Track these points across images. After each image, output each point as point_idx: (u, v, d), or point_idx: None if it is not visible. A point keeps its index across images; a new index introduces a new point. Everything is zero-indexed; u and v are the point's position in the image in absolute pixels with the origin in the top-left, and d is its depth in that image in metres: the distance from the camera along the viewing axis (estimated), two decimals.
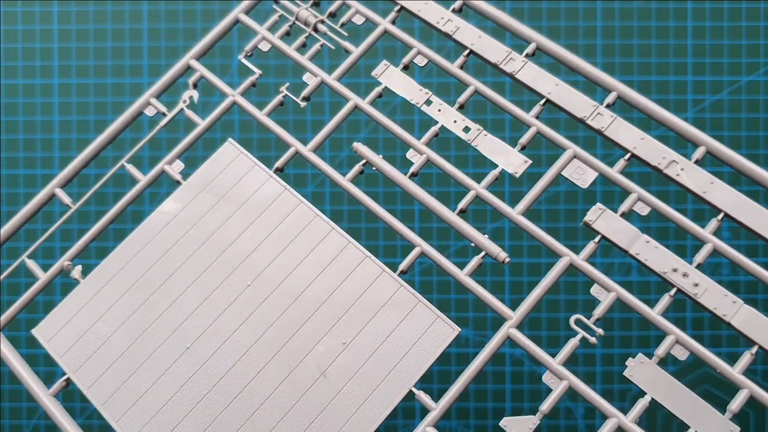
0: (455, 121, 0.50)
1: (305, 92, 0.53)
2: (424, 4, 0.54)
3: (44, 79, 0.75)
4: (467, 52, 0.52)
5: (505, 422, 0.42)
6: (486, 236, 0.47)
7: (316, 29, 0.54)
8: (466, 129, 0.49)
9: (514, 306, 0.45)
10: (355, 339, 0.45)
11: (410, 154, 0.50)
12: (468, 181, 0.48)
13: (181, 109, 0.56)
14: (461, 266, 0.46)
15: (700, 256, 0.43)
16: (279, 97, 0.54)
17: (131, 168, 0.54)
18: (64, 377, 0.52)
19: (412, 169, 0.49)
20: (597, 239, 0.44)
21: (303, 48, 0.56)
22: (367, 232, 0.72)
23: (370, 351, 0.45)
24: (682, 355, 0.42)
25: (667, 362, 0.76)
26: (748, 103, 0.75)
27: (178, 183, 0.53)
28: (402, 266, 0.46)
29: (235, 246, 0.50)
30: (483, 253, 0.46)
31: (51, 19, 0.75)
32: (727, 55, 0.75)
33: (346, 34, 0.54)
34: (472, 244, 0.46)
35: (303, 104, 0.53)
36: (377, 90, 0.53)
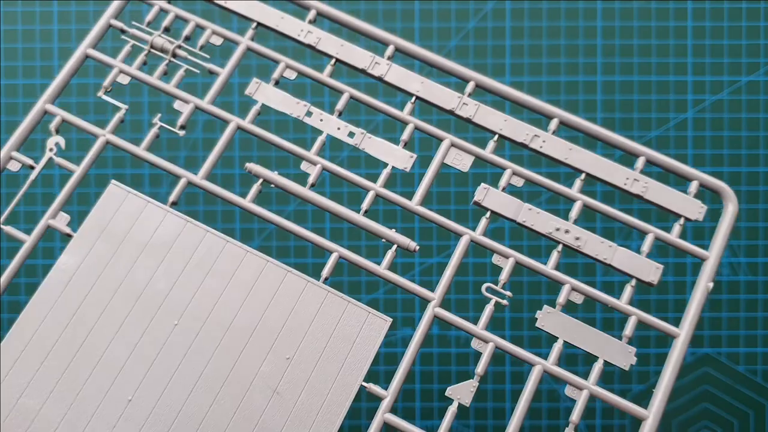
0: (339, 129, 0.52)
1: (181, 120, 0.52)
2: (280, 19, 0.54)
3: (44, 80, 0.75)
4: (333, 60, 0.54)
5: (450, 391, 0.46)
6: (394, 230, 0.49)
7: (175, 55, 0.53)
8: (351, 134, 0.52)
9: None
10: (298, 351, 0.47)
11: (304, 166, 0.52)
12: (365, 182, 0.51)
13: (50, 159, 0.53)
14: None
15: (574, 212, 0.49)
16: (154, 130, 0.53)
17: (11, 230, 0.50)
18: None
19: (310, 180, 0.51)
20: (488, 215, 0.49)
21: (166, 76, 0.55)
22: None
23: (315, 359, 0.47)
24: (578, 299, 0.47)
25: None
26: (748, 102, 0.75)
27: (69, 236, 0.51)
28: (324, 273, 0.49)
29: (150, 288, 0.48)
30: (395, 246, 0.49)
31: (51, 20, 0.75)
32: (727, 55, 0.75)
33: (206, 56, 0.54)
34: (383, 240, 0.49)
35: (181, 133, 0.52)
36: (255, 108, 0.53)
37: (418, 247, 0.49)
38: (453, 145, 0.51)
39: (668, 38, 0.75)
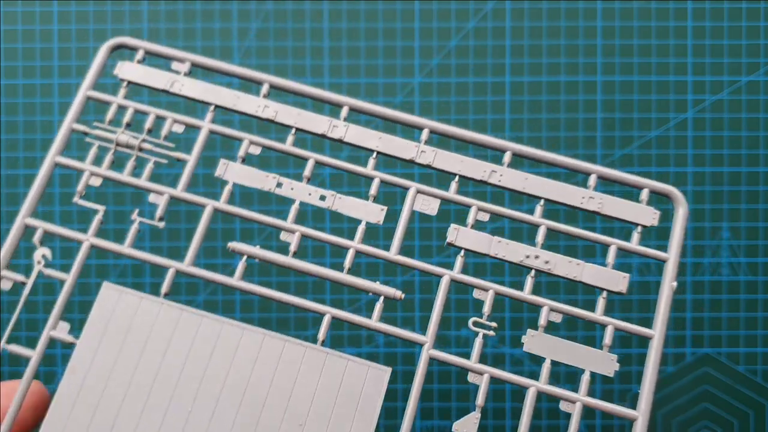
0: (309, 194, 0.54)
1: (159, 212, 0.53)
2: (237, 98, 0.56)
3: (44, 80, 0.75)
4: (294, 130, 0.55)
5: (456, 427, 0.48)
6: (378, 282, 0.51)
7: (141, 149, 0.54)
8: (322, 197, 0.53)
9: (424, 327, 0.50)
10: (308, 417, 0.48)
11: (284, 236, 0.53)
12: (345, 241, 0.51)
13: (40, 272, 0.54)
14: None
15: (540, 237, 0.51)
16: (134, 226, 0.53)
17: (15, 347, 0.50)
18: None
19: (291, 249, 0.52)
20: (462, 253, 0.51)
21: (137, 169, 0.55)
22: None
23: (326, 421, 0.48)
24: (558, 318, 0.50)
25: (667, 362, 0.76)
26: (748, 103, 0.75)
27: (72, 344, 0.52)
28: (320, 336, 0.50)
29: (160, 379, 0.50)
30: (381, 298, 0.50)
31: (51, 20, 0.75)
32: (727, 56, 0.75)
33: (171, 145, 0.54)
34: (370, 293, 0.51)
35: (161, 225, 0.53)
36: (228, 188, 0.54)
37: (402, 295, 0.51)
38: (419, 191, 0.52)
39: (668, 38, 0.75)
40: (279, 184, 0.54)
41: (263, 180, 0.54)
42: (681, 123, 0.75)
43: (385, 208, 0.52)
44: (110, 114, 0.55)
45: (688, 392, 0.73)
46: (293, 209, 0.53)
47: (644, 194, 0.51)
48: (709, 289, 0.74)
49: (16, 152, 0.74)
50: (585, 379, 0.49)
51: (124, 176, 0.54)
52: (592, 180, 0.52)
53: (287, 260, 0.52)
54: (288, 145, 0.54)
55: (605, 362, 0.49)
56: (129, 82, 0.55)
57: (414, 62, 0.75)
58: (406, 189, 0.53)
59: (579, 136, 0.75)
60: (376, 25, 0.75)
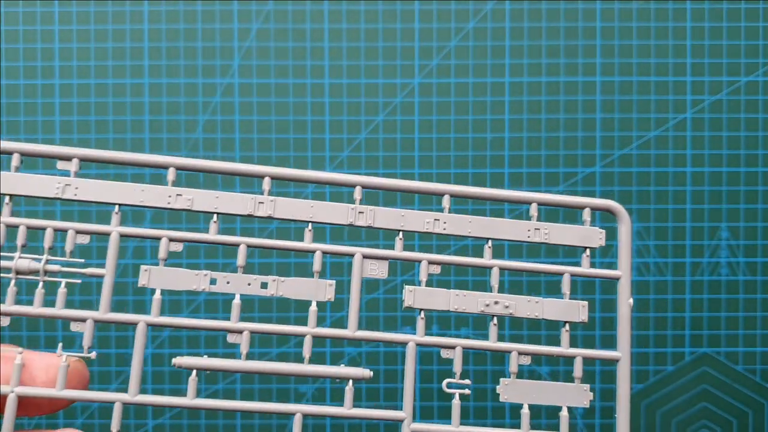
0: (249, 284, 0.49)
1: (85, 343, 0.48)
2: (142, 192, 0.48)
3: (45, 80, 0.75)
4: (215, 216, 0.50)
5: None
6: (342, 365, 0.48)
7: (47, 272, 0.47)
8: (264, 285, 0.49)
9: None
10: None
11: (231, 338, 0.49)
12: (298, 329, 0.49)
13: None
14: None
15: (493, 279, 0.50)
16: (63, 365, 0.49)
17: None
18: None
19: (243, 352, 0.47)
20: (421, 314, 0.49)
21: (49, 296, 0.47)
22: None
23: None
24: (527, 360, 0.49)
25: (666, 362, 0.76)
26: (747, 103, 0.75)
27: None
28: None
29: None
30: (351, 381, 0.48)
31: (52, 20, 0.76)
32: (726, 56, 0.75)
33: (81, 260, 0.46)
34: (337, 380, 0.48)
35: (93, 355, 0.48)
36: (156, 299, 0.49)
37: (371, 374, 0.48)
38: (365, 256, 0.50)
39: (667, 39, 0.75)
40: (213, 280, 0.48)
41: (194, 279, 0.48)
42: (680, 123, 0.75)
43: (333, 282, 0.48)
44: (1, 239, 0.47)
45: (686, 392, 0.74)
46: (235, 305, 0.48)
47: (586, 214, 0.49)
48: (707, 288, 0.74)
49: None
50: (563, 415, 0.48)
51: (36, 309, 0.47)
52: (533, 209, 0.50)
53: (240, 364, 0.47)
54: (212, 234, 0.49)
55: (580, 395, 0.49)
56: (12, 196, 0.48)
57: (414, 63, 0.75)
58: (350, 256, 0.49)
59: (578, 136, 0.75)
60: (376, 25, 0.75)
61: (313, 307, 0.48)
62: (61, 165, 0.48)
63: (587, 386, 0.49)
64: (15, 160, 0.48)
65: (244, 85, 0.75)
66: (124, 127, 0.75)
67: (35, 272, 0.46)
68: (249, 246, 0.48)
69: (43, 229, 0.47)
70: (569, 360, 0.49)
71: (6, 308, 0.46)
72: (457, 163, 0.75)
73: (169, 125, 0.75)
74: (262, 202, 0.49)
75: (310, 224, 0.49)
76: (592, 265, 0.51)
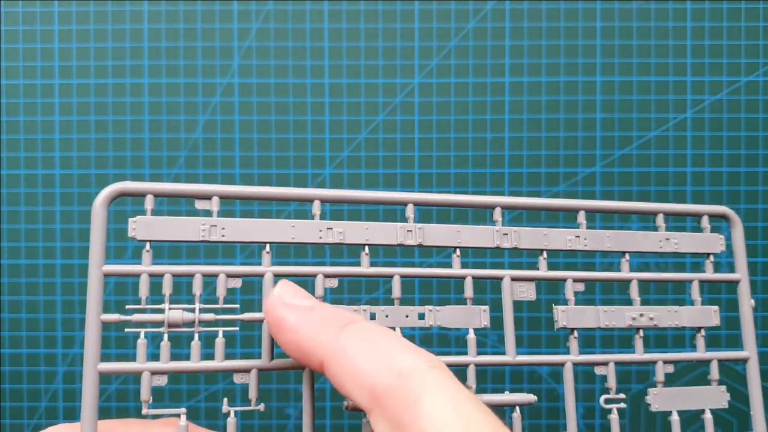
0: (407, 316, 0.49)
1: (251, 395, 0.44)
2: (293, 227, 0.47)
3: (45, 80, 0.75)
4: (366, 248, 0.47)
5: None
6: (507, 392, 0.49)
7: (201, 321, 0.43)
8: (421, 316, 0.49)
9: None
10: None
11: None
12: (460, 359, 0.48)
13: None
14: None
15: (633, 293, 0.53)
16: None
17: None
18: None
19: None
20: (574, 333, 0.52)
21: None
22: None
23: None
24: (670, 369, 0.52)
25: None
26: (747, 103, 0.75)
27: None
28: None
29: None
30: (518, 407, 0.49)
31: (51, 20, 0.76)
32: (726, 56, 0.75)
33: (236, 306, 0.44)
34: (506, 407, 0.48)
35: (261, 407, 0.41)
36: None
37: (536, 398, 0.49)
38: (513, 279, 0.51)
39: (667, 39, 0.75)
40: (372, 315, 0.46)
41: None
42: (680, 123, 0.75)
43: (487, 308, 0.48)
44: (142, 290, 0.42)
45: None
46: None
47: (704, 221, 0.52)
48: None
49: (18, 152, 0.75)
50: (707, 418, 0.51)
51: (196, 363, 0.43)
52: (660, 220, 0.52)
53: None
54: (365, 267, 0.47)
55: (719, 396, 0.52)
56: (151, 242, 0.43)
57: (414, 63, 0.75)
58: (498, 279, 0.49)
59: (578, 136, 0.75)
60: (376, 25, 0.75)
61: (471, 335, 0.47)
62: (199, 204, 0.44)
63: (723, 387, 0.52)
64: (149, 202, 0.43)
65: (244, 85, 0.75)
66: (124, 126, 0.75)
67: (189, 323, 0.43)
68: (401, 276, 0.47)
69: (191, 275, 0.43)
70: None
71: (164, 366, 0.42)
72: (457, 163, 0.75)
73: (169, 125, 0.75)
74: (410, 231, 0.48)
75: (457, 249, 0.48)
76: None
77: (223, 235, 0.43)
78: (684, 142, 0.75)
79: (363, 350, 0.34)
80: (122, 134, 0.75)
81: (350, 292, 0.71)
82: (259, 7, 0.75)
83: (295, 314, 0.37)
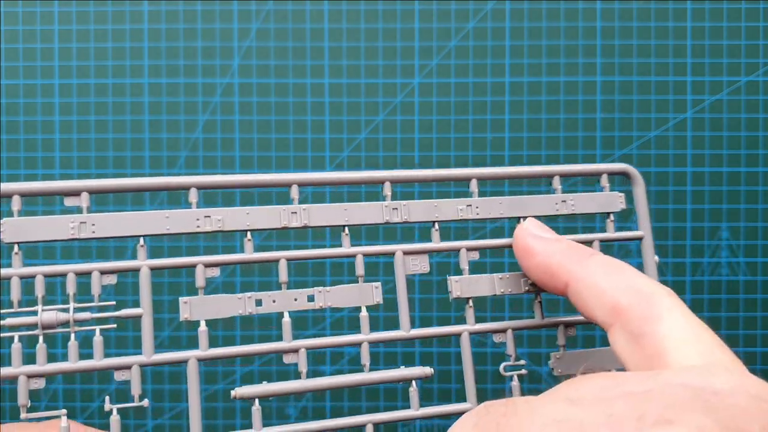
0: (296, 299, 0.47)
1: (134, 390, 0.43)
2: (167, 218, 0.46)
3: (45, 80, 0.75)
4: (248, 234, 0.46)
5: None
6: (403, 367, 0.48)
7: (77, 321, 0.42)
8: (310, 298, 0.46)
9: None
10: None
11: (287, 359, 0.46)
12: (354, 338, 0.48)
13: None
14: None
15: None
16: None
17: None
18: None
19: (301, 370, 0.47)
20: (470, 303, 0.51)
21: None
22: None
23: None
24: (573, 332, 0.51)
25: None
26: (747, 103, 0.75)
27: None
28: None
29: None
30: (414, 382, 0.49)
31: (52, 20, 0.76)
32: (727, 56, 0.75)
33: (112, 303, 0.43)
34: (399, 382, 0.48)
35: (146, 403, 0.43)
36: (203, 332, 0.45)
37: (432, 371, 0.48)
38: (405, 252, 0.50)
39: (667, 39, 0.75)
40: (258, 302, 0.45)
41: (237, 304, 0.45)
42: (680, 123, 0.75)
43: (379, 284, 0.47)
44: (14, 293, 0.41)
45: None
46: (285, 324, 0.46)
47: (604, 180, 0.51)
48: (708, 289, 0.74)
49: (18, 152, 0.75)
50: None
51: (74, 364, 0.41)
52: (557, 182, 0.51)
53: (301, 384, 0.46)
54: (249, 253, 0.46)
55: (612, 359, 0.50)
56: (19, 244, 0.41)
57: (414, 63, 0.75)
58: (390, 255, 0.48)
59: (578, 136, 0.75)
60: (376, 25, 0.75)
61: (364, 313, 0.46)
62: (68, 201, 0.43)
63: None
64: (15, 203, 0.42)
65: (244, 85, 0.75)
66: (123, 127, 0.75)
67: (64, 324, 0.41)
68: (288, 259, 0.46)
69: (63, 275, 0.42)
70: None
71: (40, 368, 0.40)
72: (457, 163, 0.75)
73: (169, 125, 0.75)
74: (295, 212, 0.46)
75: (346, 228, 0.47)
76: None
77: (93, 232, 0.41)
78: (684, 142, 0.74)
79: (608, 273, 0.39)
80: (122, 134, 0.75)
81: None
82: (259, 7, 0.75)
83: (543, 243, 0.44)
